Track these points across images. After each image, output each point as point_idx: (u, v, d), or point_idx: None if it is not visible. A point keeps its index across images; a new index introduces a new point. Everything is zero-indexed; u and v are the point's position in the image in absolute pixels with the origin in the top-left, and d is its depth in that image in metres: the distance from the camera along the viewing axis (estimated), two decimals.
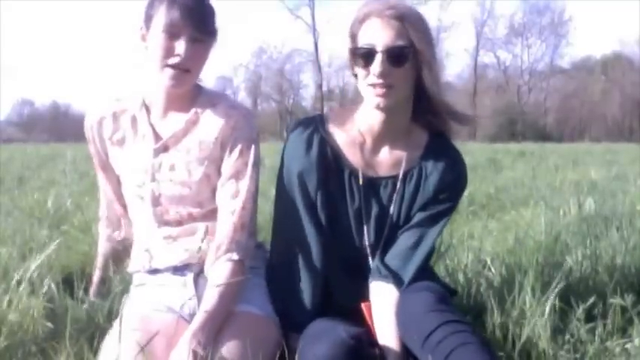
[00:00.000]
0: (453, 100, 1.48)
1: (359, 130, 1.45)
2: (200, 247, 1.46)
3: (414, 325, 1.25)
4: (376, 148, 1.46)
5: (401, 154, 1.46)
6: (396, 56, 1.33)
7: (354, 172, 1.45)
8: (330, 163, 1.44)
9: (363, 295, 1.44)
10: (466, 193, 4.74)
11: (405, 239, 1.44)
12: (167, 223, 1.49)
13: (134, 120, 1.51)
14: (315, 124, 1.46)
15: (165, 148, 1.48)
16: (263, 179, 1.71)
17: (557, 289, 1.61)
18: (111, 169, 1.58)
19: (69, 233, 2.76)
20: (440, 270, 2.12)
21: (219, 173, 1.48)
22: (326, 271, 1.46)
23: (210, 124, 1.48)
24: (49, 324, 1.54)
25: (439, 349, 1.18)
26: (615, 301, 1.61)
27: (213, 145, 1.47)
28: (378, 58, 1.32)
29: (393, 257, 1.43)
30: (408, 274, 1.40)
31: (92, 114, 1.55)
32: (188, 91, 1.50)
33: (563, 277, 1.72)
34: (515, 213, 3.77)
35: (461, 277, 1.99)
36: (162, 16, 1.38)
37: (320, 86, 39.60)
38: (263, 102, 46.60)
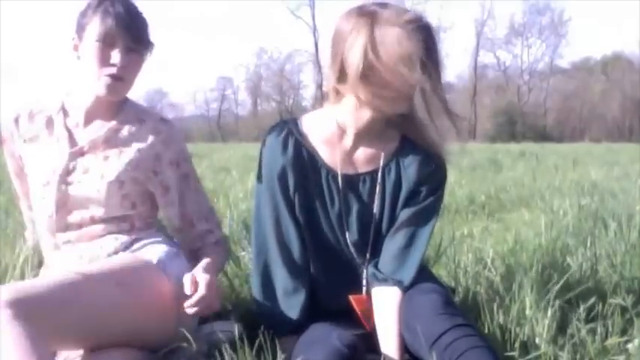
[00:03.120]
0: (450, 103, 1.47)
1: (339, 128, 1.44)
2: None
3: (421, 327, 1.24)
4: (353, 147, 1.45)
5: (377, 149, 1.45)
6: None
7: (331, 172, 1.44)
8: (307, 165, 1.43)
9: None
10: (466, 192, 4.75)
11: (397, 241, 1.42)
12: (68, 228, 1.46)
13: (50, 121, 1.51)
14: (288, 127, 1.45)
15: (81, 153, 1.48)
16: None
17: (557, 290, 1.61)
18: (25, 173, 1.55)
19: None
20: (440, 270, 2.12)
21: (135, 184, 1.48)
22: (313, 272, 1.45)
23: (139, 138, 1.50)
24: None
25: (448, 351, 1.18)
26: (615, 301, 1.61)
27: (140, 156, 1.48)
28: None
29: (388, 261, 1.42)
30: (408, 275, 1.39)
31: (9, 113, 1.54)
32: (114, 101, 1.53)
33: (563, 277, 1.72)
34: (515, 213, 3.77)
35: (461, 277, 1.99)
36: (96, 26, 1.40)
37: (320, 86, 39.48)
38: (263, 102, 46.71)
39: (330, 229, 1.45)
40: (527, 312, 1.57)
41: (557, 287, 1.61)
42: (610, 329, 1.52)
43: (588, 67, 44.45)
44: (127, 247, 1.46)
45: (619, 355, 1.41)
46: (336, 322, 1.36)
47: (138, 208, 1.51)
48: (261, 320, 1.45)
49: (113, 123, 1.50)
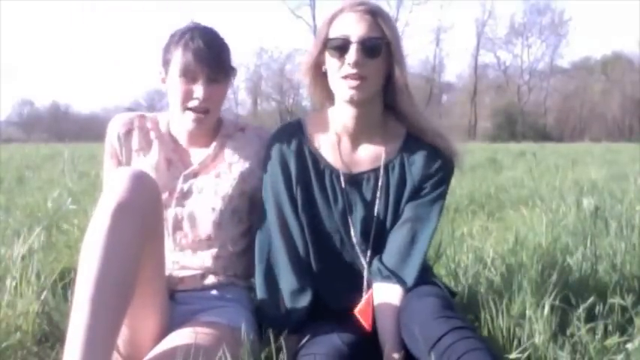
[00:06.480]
0: (420, 96, 1.49)
1: (335, 131, 1.47)
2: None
3: (420, 331, 1.24)
4: (354, 146, 1.47)
5: (379, 147, 1.46)
6: (370, 47, 1.35)
7: (334, 173, 1.45)
8: (309, 165, 1.45)
9: (355, 296, 1.42)
10: (466, 192, 4.73)
11: (400, 236, 1.42)
12: (182, 249, 1.48)
13: (162, 141, 1.53)
14: (293, 129, 1.48)
15: (194, 175, 1.51)
16: None
17: (557, 289, 1.61)
18: None
19: (69, 233, 2.76)
20: (440, 270, 2.12)
21: (241, 194, 1.51)
22: (316, 272, 1.45)
23: (244, 146, 1.54)
24: (46, 327, 1.54)
25: (447, 354, 1.17)
26: (615, 300, 1.61)
27: (249, 166, 1.51)
28: (353, 48, 1.34)
29: (391, 256, 1.42)
30: (411, 274, 1.39)
31: (117, 125, 1.53)
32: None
33: (563, 277, 1.72)
34: (515, 213, 3.76)
35: (461, 276, 1.99)
36: (178, 60, 1.42)
37: None
38: (263, 102, 46.69)
39: (334, 228, 1.45)
40: (527, 311, 1.57)
41: (556, 287, 1.61)
42: (610, 329, 1.52)
43: (588, 66, 44.40)
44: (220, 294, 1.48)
45: (618, 354, 1.41)
46: (337, 321, 1.36)
47: (244, 224, 1.53)
48: (263, 319, 1.45)
49: (217, 139, 1.54)
